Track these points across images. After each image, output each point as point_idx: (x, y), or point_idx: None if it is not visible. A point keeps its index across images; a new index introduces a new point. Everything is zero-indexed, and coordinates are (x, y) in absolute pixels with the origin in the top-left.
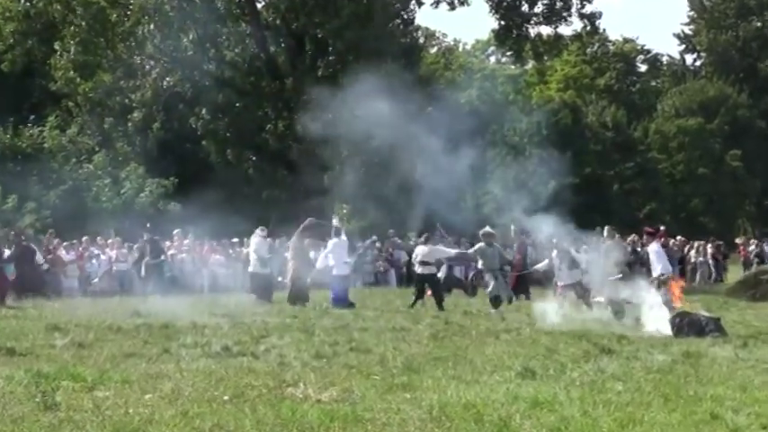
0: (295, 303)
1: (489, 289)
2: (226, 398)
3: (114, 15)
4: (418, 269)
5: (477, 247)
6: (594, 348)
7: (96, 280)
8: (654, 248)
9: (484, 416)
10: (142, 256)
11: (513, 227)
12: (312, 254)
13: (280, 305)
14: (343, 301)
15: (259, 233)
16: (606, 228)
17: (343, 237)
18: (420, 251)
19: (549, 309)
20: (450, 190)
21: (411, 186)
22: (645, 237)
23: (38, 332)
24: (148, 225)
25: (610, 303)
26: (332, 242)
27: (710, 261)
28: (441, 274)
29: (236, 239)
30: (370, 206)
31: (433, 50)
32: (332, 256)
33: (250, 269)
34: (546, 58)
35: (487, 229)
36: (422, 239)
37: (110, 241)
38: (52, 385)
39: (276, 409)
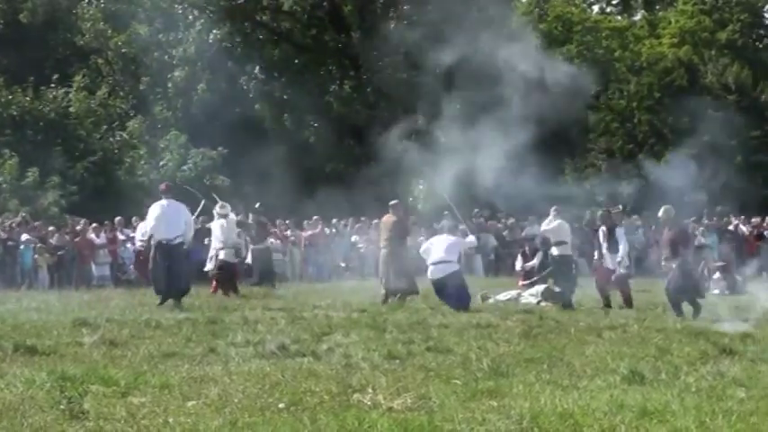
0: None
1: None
2: (281, 405)
3: None
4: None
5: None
6: (714, 348)
7: (131, 267)
8: None
9: (583, 427)
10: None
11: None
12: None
13: (341, 297)
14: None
15: (219, 211)
16: (663, 208)
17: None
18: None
19: None
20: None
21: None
22: None
23: (63, 328)
24: (258, 205)
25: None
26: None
27: None
28: (536, 261)
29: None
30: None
31: None
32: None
33: (221, 257)
34: (658, 7)
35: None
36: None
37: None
38: (79, 390)
39: (340, 419)
